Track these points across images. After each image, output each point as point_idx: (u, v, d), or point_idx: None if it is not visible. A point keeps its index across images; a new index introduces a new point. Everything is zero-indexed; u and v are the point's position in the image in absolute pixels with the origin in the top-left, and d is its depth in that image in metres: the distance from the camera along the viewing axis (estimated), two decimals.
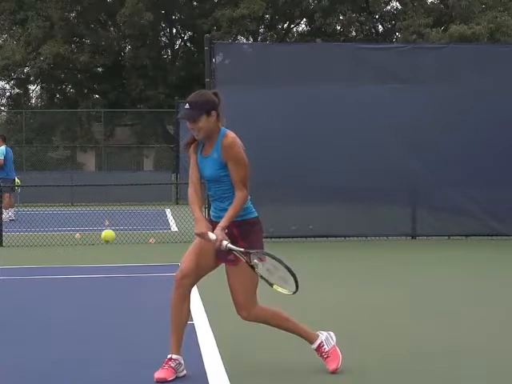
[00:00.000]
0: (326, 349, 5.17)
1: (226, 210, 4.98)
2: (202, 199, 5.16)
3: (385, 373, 5.26)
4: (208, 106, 4.98)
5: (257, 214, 5.10)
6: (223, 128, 5.06)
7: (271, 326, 5.22)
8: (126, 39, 37.04)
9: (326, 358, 5.17)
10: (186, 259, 5.07)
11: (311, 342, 5.20)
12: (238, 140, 5.02)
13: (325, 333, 5.23)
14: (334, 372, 5.12)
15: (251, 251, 4.87)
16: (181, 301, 5.02)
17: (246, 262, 4.88)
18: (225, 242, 4.86)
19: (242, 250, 4.89)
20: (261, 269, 4.89)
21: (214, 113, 4.99)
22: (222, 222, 4.92)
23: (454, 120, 13.42)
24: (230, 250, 4.88)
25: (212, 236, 4.89)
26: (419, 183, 13.52)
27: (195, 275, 5.05)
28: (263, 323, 5.20)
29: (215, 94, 5.13)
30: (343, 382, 5.04)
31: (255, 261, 4.87)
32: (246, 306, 5.05)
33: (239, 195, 4.95)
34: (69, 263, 10.96)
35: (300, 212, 13.39)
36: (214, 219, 5.09)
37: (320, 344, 5.17)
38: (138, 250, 12.32)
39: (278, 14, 38.19)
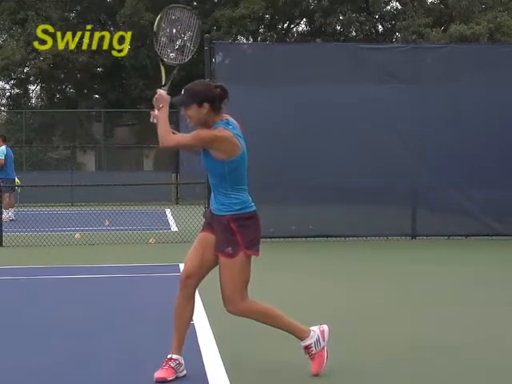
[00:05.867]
0: (314, 351, 5.13)
1: (218, 203, 4.99)
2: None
3: (385, 373, 5.26)
4: (200, 97, 4.93)
5: (254, 209, 5.06)
6: (220, 122, 4.96)
7: (259, 322, 5.17)
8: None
9: (311, 360, 5.15)
10: (188, 259, 5.07)
11: (301, 339, 5.17)
12: (225, 138, 4.88)
13: (317, 331, 5.18)
14: (315, 375, 5.08)
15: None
16: (186, 301, 5.04)
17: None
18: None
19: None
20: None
21: (206, 105, 4.92)
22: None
23: (454, 120, 13.42)
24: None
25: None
26: (419, 183, 13.52)
27: (199, 273, 5.05)
28: (251, 319, 5.14)
29: (220, 87, 5.02)
30: (343, 382, 5.04)
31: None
32: (233, 300, 5.00)
33: (177, 135, 5.06)
34: (69, 263, 10.96)
35: (300, 212, 13.39)
36: (212, 211, 5.10)
37: (309, 345, 5.14)
38: (138, 250, 12.32)
39: (277, 13, 38.14)
